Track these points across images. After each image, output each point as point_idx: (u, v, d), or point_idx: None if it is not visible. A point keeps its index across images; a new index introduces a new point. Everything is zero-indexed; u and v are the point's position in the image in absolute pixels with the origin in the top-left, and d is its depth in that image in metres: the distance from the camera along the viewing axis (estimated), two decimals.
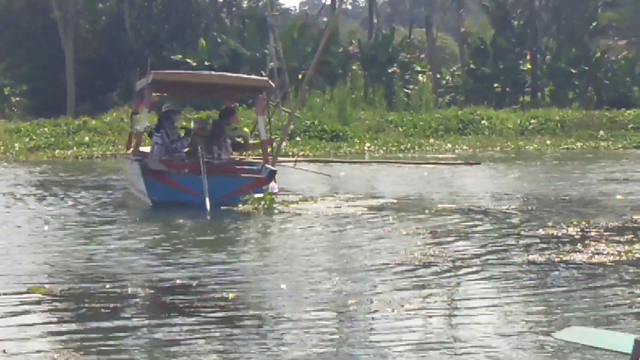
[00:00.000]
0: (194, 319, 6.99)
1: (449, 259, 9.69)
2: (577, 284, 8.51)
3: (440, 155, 28.60)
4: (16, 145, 32.54)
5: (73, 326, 6.92)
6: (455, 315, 7.62)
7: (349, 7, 71.11)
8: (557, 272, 9.01)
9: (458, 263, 9.44)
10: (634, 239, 10.59)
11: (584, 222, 12.47)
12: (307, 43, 45.73)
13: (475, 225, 12.74)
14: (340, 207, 14.85)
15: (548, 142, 35.62)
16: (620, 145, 34.33)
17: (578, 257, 9.52)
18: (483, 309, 7.67)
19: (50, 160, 28.78)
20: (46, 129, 35.24)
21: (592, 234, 11.41)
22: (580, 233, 11.52)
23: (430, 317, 7.09)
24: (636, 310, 7.20)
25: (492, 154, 30.81)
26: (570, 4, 49.43)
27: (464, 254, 10.09)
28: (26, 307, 7.47)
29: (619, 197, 16.35)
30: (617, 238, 10.86)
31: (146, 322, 7.05)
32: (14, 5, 48.38)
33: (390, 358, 5.86)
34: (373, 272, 9.03)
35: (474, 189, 18.51)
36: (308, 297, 7.76)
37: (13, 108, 44.85)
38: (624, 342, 2.67)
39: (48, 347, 6.18)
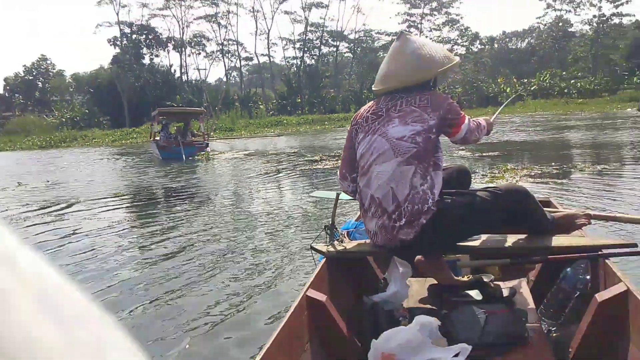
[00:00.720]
0: (181, 200, 6.43)
1: (275, 169, 9.08)
2: (309, 170, 8.01)
3: (269, 134, 27.02)
4: (106, 139, 28.95)
5: (136, 206, 6.32)
6: (268, 188, 6.93)
7: (235, 80, 66.27)
8: (305, 169, 8.48)
9: (275, 168, 8.76)
10: (328, 158, 10.04)
11: (317, 153, 11.85)
12: (219, 95, 42.38)
13: (282, 156, 12.05)
14: (234, 155, 14.06)
15: (308, 128, 34.20)
16: (333, 127, 32.82)
17: (307, 167, 8.95)
18: (273, 184, 7.17)
19: (119, 145, 25.75)
20: (118, 133, 31.54)
21: (317, 157, 10.72)
22: (314, 155, 10.86)
23: (267, 193, 6.59)
24: (335, 184, 6.49)
25: (288, 134, 29.07)
26: (310, 82, 47.36)
27: (276, 166, 9.32)
28: (116, 200, 6.76)
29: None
30: (328, 158, 10.40)
31: (162, 204, 6.52)
32: (101, 84, 41.71)
33: (249, 219, 5.33)
34: (249, 177, 8.41)
35: (282, 145, 17.26)
36: (225, 193, 7.08)
37: (104, 126, 38.67)
38: (334, 195, 2.28)
39: (124, 211, 5.69)
